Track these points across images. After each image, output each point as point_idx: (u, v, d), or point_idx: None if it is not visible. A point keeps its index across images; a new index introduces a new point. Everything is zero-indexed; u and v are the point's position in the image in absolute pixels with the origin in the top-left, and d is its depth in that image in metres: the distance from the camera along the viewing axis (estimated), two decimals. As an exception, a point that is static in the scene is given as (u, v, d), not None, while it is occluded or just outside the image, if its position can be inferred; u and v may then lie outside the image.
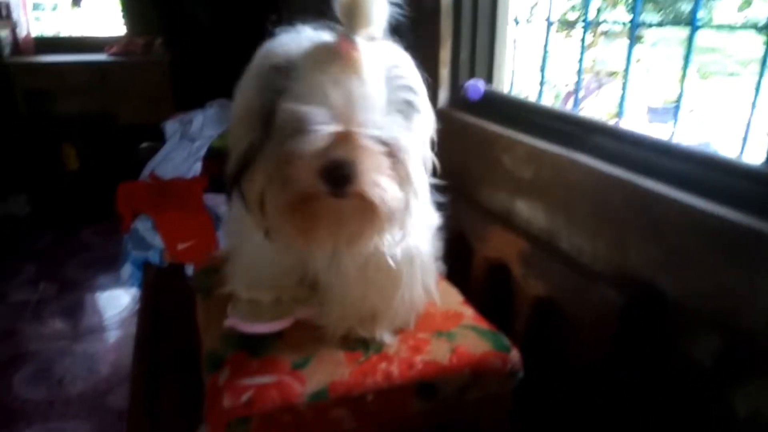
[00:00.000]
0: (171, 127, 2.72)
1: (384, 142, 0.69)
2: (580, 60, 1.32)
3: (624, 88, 1.20)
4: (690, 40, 0.99)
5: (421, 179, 0.76)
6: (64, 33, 3.70)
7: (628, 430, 0.99)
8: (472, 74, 1.54)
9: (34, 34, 3.38)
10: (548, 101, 3.04)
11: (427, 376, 0.86)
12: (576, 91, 1.39)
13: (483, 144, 1.40)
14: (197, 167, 2.40)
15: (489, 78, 1.54)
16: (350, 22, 0.68)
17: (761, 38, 1.56)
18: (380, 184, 0.69)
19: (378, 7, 0.68)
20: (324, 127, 0.65)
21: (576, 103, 1.39)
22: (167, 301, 1.63)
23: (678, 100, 1.10)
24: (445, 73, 1.56)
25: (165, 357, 1.36)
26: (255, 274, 0.94)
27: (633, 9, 1.13)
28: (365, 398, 0.83)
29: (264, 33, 0.76)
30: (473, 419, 0.96)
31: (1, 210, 3.12)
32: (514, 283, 1.22)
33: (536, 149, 1.22)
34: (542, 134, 1.24)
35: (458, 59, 1.53)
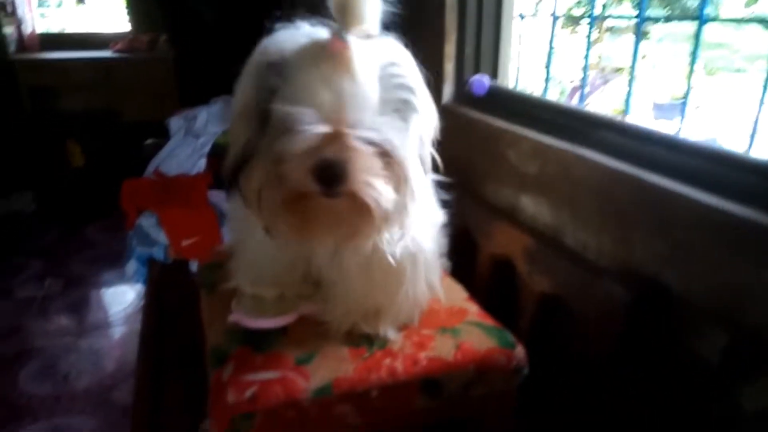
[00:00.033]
0: (175, 123, 2.73)
1: (376, 143, 0.68)
2: (586, 56, 1.31)
3: (630, 85, 1.19)
4: (697, 34, 0.98)
5: (418, 179, 0.74)
6: (69, 30, 3.70)
7: (634, 426, 0.98)
8: (477, 69, 1.53)
9: (39, 30, 3.38)
10: (553, 98, 3.03)
11: (432, 372, 0.85)
12: (582, 87, 1.39)
13: (488, 139, 1.39)
14: (201, 163, 2.41)
15: (494, 73, 1.53)
16: (343, 19, 0.67)
17: (768, 33, 1.55)
18: (372, 184, 0.68)
19: (371, 4, 0.67)
20: (312, 128, 0.64)
21: (581, 99, 1.39)
22: (172, 297, 1.63)
23: (685, 96, 1.10)
24: (449, 68, 1.55)
25: (169, 352, 1.37)
26: (259, 269, 0.94)
27: (639, 4, 1.13)
28: (369, 394, 0.83)
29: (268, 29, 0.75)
30: (478, 416, 0.96)
31: (6, 207, 3.13)
32: (519, 280, 1.22)
33: (541, 144, 1.21)
34: (547, 129, 1.24)
35: (463, 54, 1.53)
